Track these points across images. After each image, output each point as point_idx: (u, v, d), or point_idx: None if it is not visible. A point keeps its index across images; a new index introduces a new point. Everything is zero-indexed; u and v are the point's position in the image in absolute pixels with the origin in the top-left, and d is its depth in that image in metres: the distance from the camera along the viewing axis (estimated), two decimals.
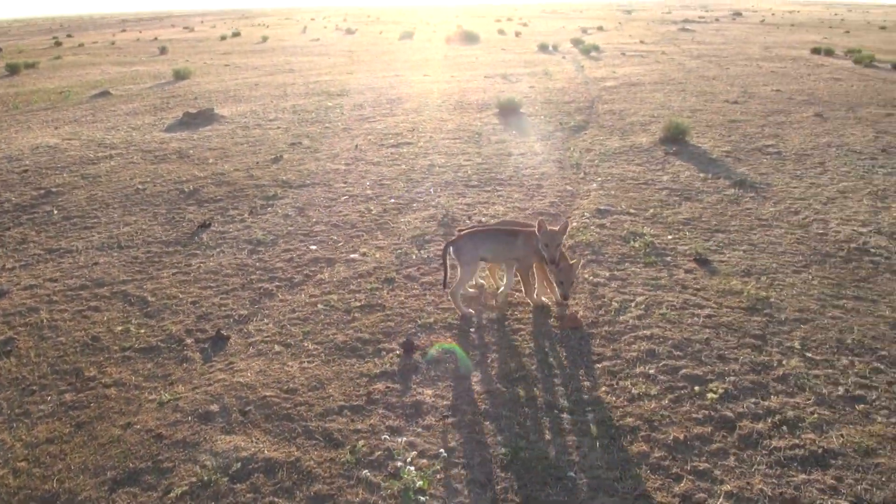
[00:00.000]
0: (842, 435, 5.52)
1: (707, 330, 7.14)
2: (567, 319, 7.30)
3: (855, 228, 9.97)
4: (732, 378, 6.30)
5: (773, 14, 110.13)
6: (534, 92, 22.76)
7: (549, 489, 5.00)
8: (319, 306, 7.78)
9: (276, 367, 6.59)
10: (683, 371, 6.41)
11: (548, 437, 5.55)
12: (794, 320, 7.36)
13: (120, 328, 7.47)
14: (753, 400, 5.99)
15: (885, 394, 6.09)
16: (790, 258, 9.00)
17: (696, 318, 7.38)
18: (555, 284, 7.34)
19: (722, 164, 13.45)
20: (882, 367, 6.51)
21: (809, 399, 6.00)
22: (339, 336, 7.12)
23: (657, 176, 12.66)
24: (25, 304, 8.20)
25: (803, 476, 5.08)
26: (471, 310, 7.70)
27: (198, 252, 9.52)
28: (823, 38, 49.36)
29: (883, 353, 6.73)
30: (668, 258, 8.97)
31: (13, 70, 34.44)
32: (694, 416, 5.79)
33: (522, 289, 7.75)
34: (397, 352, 6.81)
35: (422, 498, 4.94)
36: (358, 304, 7.82)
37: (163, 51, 44.45)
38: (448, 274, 7.72)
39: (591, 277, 8.39)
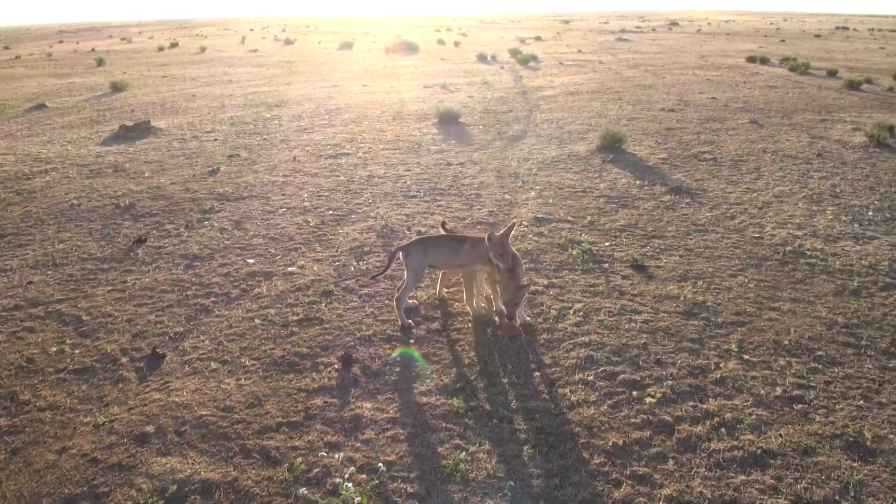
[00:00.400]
0: (780, 435, 5.61)
1: (644, 335, 7.21)
2: (506, 328, 7.31)
3: (790, 232, 10.15)
4: (670, 382, 6.37)
5: (709, 24, 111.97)
6: (473, 102, 22.83)
7: (490, 500, 5.00)
8: (256, 321, 7.70)
9: (212, 385, 6.49)
10: (621, 377, 6.47)
11: (488, 447, 5.55)
12: (730, 323, 7.47)
13: (55, 349, 7.29)
14: (692, 403, 6.06)
15: (823, 393, 6.21)
16: (726, 262, 9.13)
17: (633, 324, 7.45)
18: (502, 304, 7.36)
19: (658, 171, 13.61)
20: (819, 366, 6.63)
21: (747, 401, 6.09)
22: (276, 351, 7.04)
23: (594, 184, 12.76)
24: None
25: (743, 477, 5.15)
26: (410, 321, 7.67)
27: (133, 268, 9.35)
28: (759, 47, 50.29)
29: (820, 353, 6.86)
30: (606, 265, 9.05)
31: None
32: (633, 420, 5.84)
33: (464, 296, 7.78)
34: (336, 365, 6.75)
35: None
36: (296, 317, 7.75)
37: (100, 62, 43.69)
38: (388, 269, 8.01)
39: (530, 285, 8.41)
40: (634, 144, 15.93)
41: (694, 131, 17.44)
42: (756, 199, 11.79)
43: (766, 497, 4.96)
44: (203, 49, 56.16)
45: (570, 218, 10.80)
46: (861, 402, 6.09)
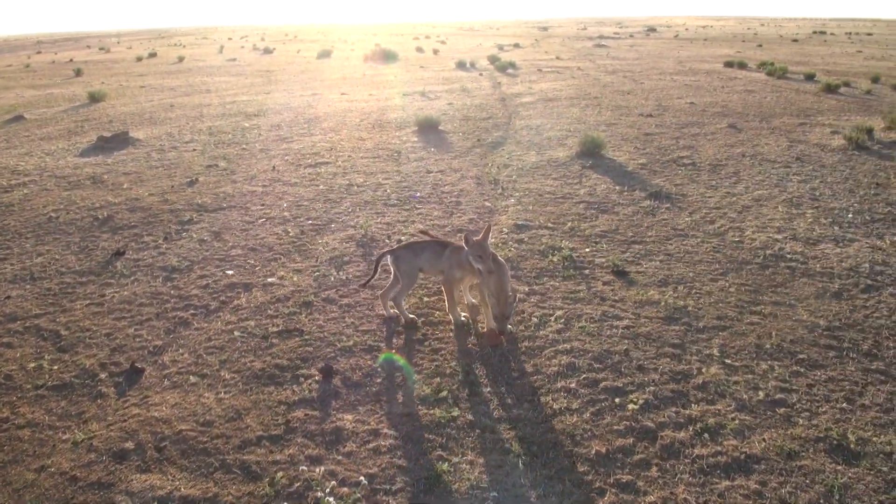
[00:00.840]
0: (764, 440, 5.60)
1: (626, 341, 7.20)
2: (488, 337, 7.28)
3: (770, 235, 10.18)
4: (652, 388, 6.35)
5: (686, 29, 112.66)
6: (452, 109, 22.82)
7: None
8: (236, 333, 7.62)
9: (191, 399, 6.42)
10: (604, 384, 6.44)
11: (470, 457, 5.51)
12: (712, 328, 7.47)
13: (33, 365, 7.18)
14: (674, 409, 6.04)
15: (806, 396, 6.21)
16: (707, 267, 9.14)
17: (615, 330, 7.43)
18: (492, 317, 7.33)
19: (638, 177, 13.63)
20: (801, 370, 6.64)
21: (730, 405, 6.08)
22: (256, 363, 6.97)
23: (574, 190, 12.76)
24: None
25: (727, 483, 5.13)
26: (413, 316, 7.79)
27: (112, 281, 9.26)
28: (737, 52, 50.59)
29: (802, 356, 6.87)
30: (587, 271, 9.03)
31: None
32: (615, 428, 5.81)
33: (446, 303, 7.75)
34: (316, 377, 6.69)
35: None
36: (276, 329, 7.68)
37: (78, 73, 43.43)
38: (375, 276, 8.03)
39: (510, 293, 8.37)
40: (614, 150, 15.95)
41: (673, 136, 17.49)
42: (735, 203, 11.82)
43: (750, 502, 4.95)
44: (181, 59, 55.95)
45: (550, 224, 10.79)
46: (844, 404, 6.09)
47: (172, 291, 8.82)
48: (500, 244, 9.89)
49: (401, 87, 29.94)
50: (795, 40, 73.36)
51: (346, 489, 5.17)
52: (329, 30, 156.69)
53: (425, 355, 7.11)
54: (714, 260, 9.36)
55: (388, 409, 6.19)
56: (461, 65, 40.97)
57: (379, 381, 6.66)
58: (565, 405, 6.14)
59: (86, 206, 12.62)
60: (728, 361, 6.79)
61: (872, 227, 10.52)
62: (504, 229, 10.59)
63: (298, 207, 12.08)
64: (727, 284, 8.58)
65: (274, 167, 15.16)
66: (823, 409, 6.01)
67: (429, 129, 18.99)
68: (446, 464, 5.42)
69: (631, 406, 6.08)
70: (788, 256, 9.41)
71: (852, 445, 5.50)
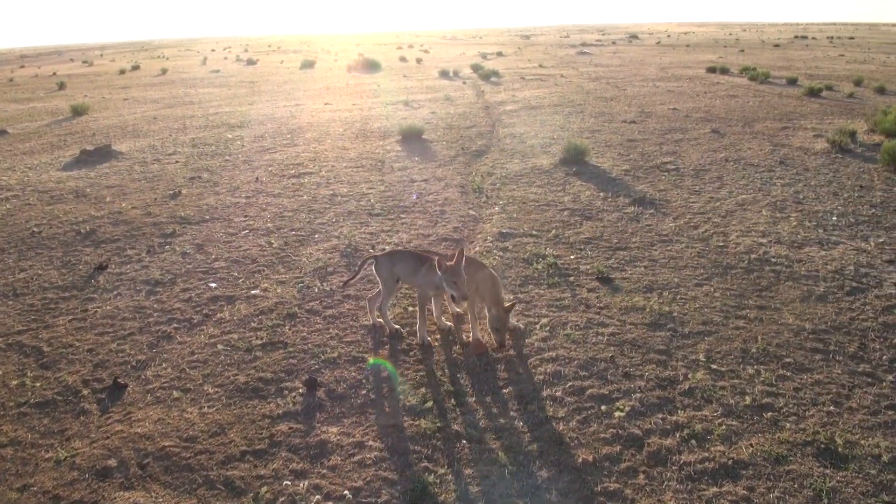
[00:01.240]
0: (751, 445, 5.58)
1: (612, 348, 7.17)
2: (473, 346, 7.24)
3: (755, 239, 10.18)
4: (639, 395, 6.32)
5: (668, 36, 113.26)
6: (435, 118, 22.82)
7: None
8: (219, 347, 7.55)
9: (175, 415, 6.35)
10: (590, 391, 6.41)
11: (457, 468, 5.46)
12: (697, 333, 7.45)
13: (16, 382, 7.09)
14: (661, 415, 6.01)
15: (793, 400, 6.19)
16: (692, 272, 9.13)
17: (600, 337, 7.40)
18: (477, 330, 7.31)
19: (621, 183, 13.64)
20: (788, 373, 6.62)
21: (717, 411, 6.06)
22: (240, 377, 6.90)
23: (558, 197, 12.75)
24: None
25: (715, 489, 5.10)
26: (397, 326, 7.79)
27: (94, 296, 9.17)
28: (719, 58, 50.86)
29: (788, 360, 6.86)
30: (571, 278, 9.01)
31: None
32: (602, 435, 5.78)
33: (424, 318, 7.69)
34: (300, 390, 6.63)
35: None
36: (259, 342, 7.62)
37: (61, 86, 43.27)
38: (357, 278, 8.16)
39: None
40: (597, 157, 15.97)
41: (656, 142, 17.54)
42: (719, 207, 11.83)
43: None
44: (164, 71, 55.87)
45: (534, 232, 10.77)
46: (831, 407, 6.08)
47: (155, 305, 8.75)
48: (484, 252, 9.87)
49: (384, 97, 29.94)
50: (777, 45, 73.80)
51: (331, 503, 5.12)
52: (312, 40, 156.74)
53: (410, 365, 7.07)
54: (699, 265, 9.36)
55: (373, 421, 6.14)
56: (444, 74, 41.04)
57: (364, 392, 6.60)
58: (551, 414, 6.10)
59: (68, 220, 12.53)
60: (714, 367, 6.77)
61: (857, 230, 10.54)
62: (488, 237, 10.56)
63: (282, 218, 12.03)
64: (712, 289, 8.57)
65: (257, 178, 15.10)
66: (810, 413, 6.00)
67: (412, 138, 18.97)
68: (432, 475, 5.37)
69: (617, 413, 6.05)
70: (773, 260, 9.41)
71: (840, 449, 5.48)
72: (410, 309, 8.28)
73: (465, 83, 35.14)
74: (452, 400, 6.42)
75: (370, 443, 5.82)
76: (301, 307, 8.46)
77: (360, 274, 8.07)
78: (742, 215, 11.36)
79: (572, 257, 9.70)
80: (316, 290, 8.96)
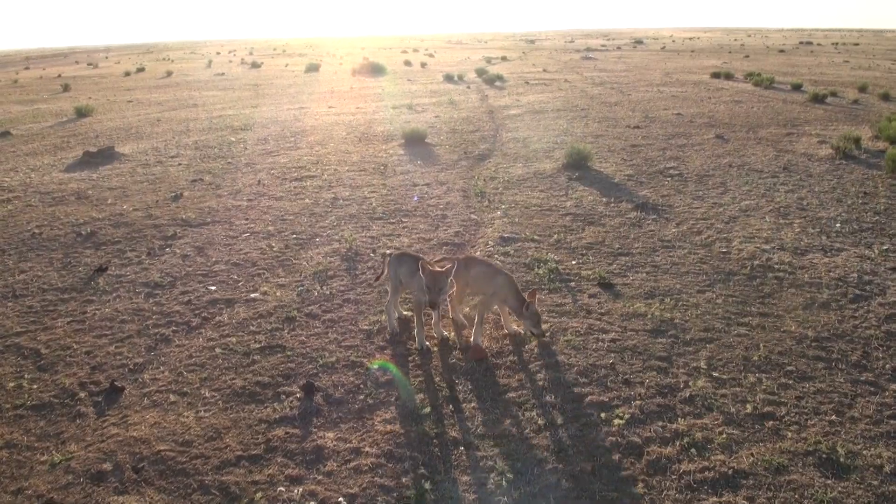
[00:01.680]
0: (752, 454, 5.53)
1: (612, 354, 7.12)
2: (472, 351, 7.20)
3: (758, 246, 10.14)
4: (639, 402, 6.28)
5: (673, 41, 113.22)
6: (439, 122, 22.80)
7: None
8: (217, 350, 7.51)
9: (171, 419, 6.31)
10: (589, 398, 6.37)
11: (454, 475, 5.42)
12: (699, 340, 7.41)
13: (13, 384, 7.06)
14: (661, 423, 5.96)
15: (794, 409, 6.14)
16: (694, 278, 9.08)
17: (600, 343, 7.36)
18: (478, 334, 7.38)
19: (624, 188, 13.60)
20: (790, 382, 6.57)
21: (717, 419, 6.01)
22: (237, 381, 6.86)
23: (561, 202, 12.71)
24: None
25: (714, 499, 5.06)
26: (403, 316, 8.00)
27: (93, 298, 9.14)
28: (723, 63, 50.79)
29: (790, 368, 6.81)
30: (573, 283, 8.96)
31: None
32: (601, 444, 5.73)
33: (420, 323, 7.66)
34: (298, 395, 6.59)
35: None
36: (257, 346, 7.58)
37: (66, 88, 43.31)
38: (384, 276, 7.99)
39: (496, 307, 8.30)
40: (600, 162, 15.93)
41: (660, 147, 17.49)
42: (723, 213, 11.78)
43: None
44: (169, 73, 55.96)
45: (536, 237, 10.73)
46: (833, 416, 6.03)
47: (154, 308, 8.71)
48: (486, 257, 9.82)
49: (388, 101, 29.93)
50: (782, 51, 73.74)
51: None
52: (317, 43, 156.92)
53: (409, 370, 7.02)
54: (701, 271, 9.31)
55: (370, 427, 6.09)
56: (449, 78, 41.04)
57: (361, 397, 6.56)
58: (550, 420, 6.06)
59: (69, 221, 12.50)
60: (715, 374, 6.72)
61: (860, 237, 10.49)
62: (490, 242, 10.52)
63: (283, 222, 12.00)
64: (714, 296, 8.52)
65: (259, 181, 15.08)
66: (812, 422, 5.95)
67: (415, 141, 18.94)
68: (429, 482, 5.33)
69: (617, 421, 6.00)
70: (776, 267, 9.36)
71: (842, 459, 5.43)
72: (406, 314, 8.23)
73: (469, 87, 35.12)
74: (450, 406, 6.38)
75: (367, 449, 5.77)
76: (300, 311, 8.42)
77: (385, 271, 7.98)
78: (745, 221, 11.32)
79: (574, 262, 9.65)
80: (315, 293, 8.92)
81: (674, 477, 5.30)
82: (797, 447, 5.60)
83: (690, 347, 7.26)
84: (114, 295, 9.20)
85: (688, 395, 6.38)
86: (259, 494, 5.23)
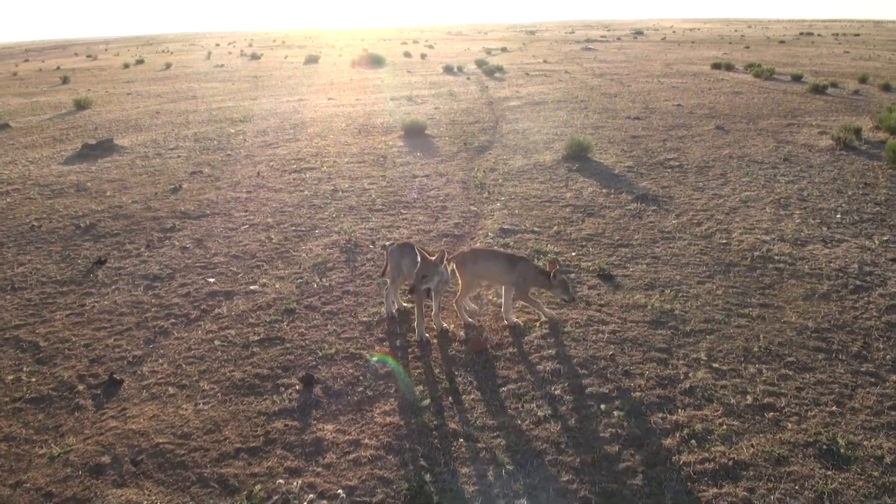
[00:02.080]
0: (752, 445, 5.52)
1: (612, 346, 7.11)
2: (472, 343, 7.19)
3: (758, 237, 10.11)
4: (638, 394, 6.27)
5: (673, 32, 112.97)
6: (439, 113, 22.75)
7: None
8: (216, 343, 7.50)
9: (170, 411, 6.29)
10: (589, 389, 6.35)
11: (453, 467, 5.40)
12: (699, 331, 7.39)
13: (11, 377, 7.05)
14: (661, 415, 5.95)
15: (795, 400, 6.13)
16: (694, 269, 9.06)
17: (600, 335, 7.34)
18: (563, 301, 7.63)
19: (624, 179, 13.57)
20: (790, 373, 6.56)
21: (718, 410, 5.99)
22: (236, 373, 6.85)
23: (560, 193, 12.68)
24: None
25: (715, 490, 5.05)
26: (403, 307, 8.02)
27: (92, 290, 9.13)
28: (724, 54, 50.66)
29: (790, 359, 6.79)
30: (573, 275, 8.94)
31: None
32: (601, 435, 5.72)
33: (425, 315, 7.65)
34: (297, 387, 6.58)
35: None
36: (256, 338, 7.57)
37: (65, 80, 43.25)
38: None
39: (496, 299, 8.29)
40: (600, 153, 15.90)
41: (660, 139, 17.45)
42: (723, 204, 11.76)
43: None
44: (168, 65, 55.84)
45: (536, 228, 10.70)
46: (834, 408, 6.02)
47: (153, 300, 8.70)
48: (492, 247, 9.80)
49: (388, 92, 29.86)
50: (783, 42, 73.60)
51: (324, 502, 5.06)
52: (317, 35, 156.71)
53: (409, 362, 7.01)
54: (701, 262, 9.29)
55: (370, 419, 6.08)
56: (448, 69, 40.94)
57: (360, 389, 6.54)
58: (550, 412, 6.04)
59: (68, 214, 12.49)
60: (715, 365, 6.71)
61: (861, 228, 10.47)
62: (490, 234, 10.50)
63: (282, 213, 11.97)
64: (714, 287, 8.50)
65: (258, 173, 15.05)
66: (812, 413, 5.93)
67: (415, 133, 18.91)
68: (429, 474, 5.32)
69: (617, 412, 5.99)
70: (776, 258, 9.34)
71: (842, 450, 5.42)
72: (406, 306, 8.22)
73: (469, 79, 35.05)
74: (450, 397, 6.37)
75: (366, 441, 5.76)
76: (299, 303, 8.40)
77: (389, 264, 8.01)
78: (745, 212, 11.29)
79: (573, 254, 9.63)
80: (315, 285, 8.91)
81: (674, 468, 5.29)
82: (797, 438, 5.59)
83: (690, 339, 7.24)
84: (113, 287, 9.18)
85: (688, 386, 6.37)
86: (258, 487, 5.21)
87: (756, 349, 6.99)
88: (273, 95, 30.55)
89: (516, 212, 11.61)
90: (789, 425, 5.77)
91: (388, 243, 8.78)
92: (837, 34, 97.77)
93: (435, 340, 7.43)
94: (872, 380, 6.45)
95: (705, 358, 6.84)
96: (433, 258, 6.92)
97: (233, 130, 20.94)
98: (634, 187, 12.96)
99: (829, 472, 5.18)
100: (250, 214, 12.01)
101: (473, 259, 7.54)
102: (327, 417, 6.13)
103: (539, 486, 5.15)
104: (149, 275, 9.51)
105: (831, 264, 9.09)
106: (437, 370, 6.85)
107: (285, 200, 12.81)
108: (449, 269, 7.49)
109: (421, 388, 6.54)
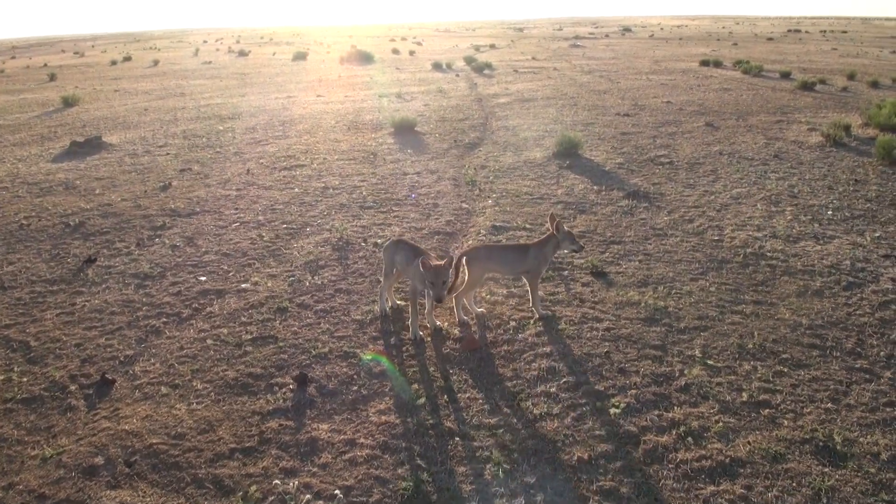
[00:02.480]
0: (748, 442, 5.52)
1: (606, 343, 7.10)
2: (466, 341, 7.16)
3: (750, 233, 10.12)
4: (634, 391, 6.25)
5: (661, 29, 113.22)
6: (428, 110, 22.72)
7: None
8: (209, 342, 7.45)
9: (163, 411, 6.25)
10: (584, 387, 6.34)
11: (450, 466, 5.38)
12: (693, 328, 7.39)
13: (2, 377, 6.97)
14: (657, 412, 5.95)
15: (790, 397, 6.13)
16: (686, 266, 9.06)
17: (595, 332, 7.33)
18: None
19: (615, 176, 13.57)
20: (785, 369, 6.56)
21: (713, 408, 5.99)
22: (229, 372, 6.81)
23: (552, 190, 12.67)
24: None
25: (712, 488, 5.04)
26: (397, 305, 8.01)
27: (83, 289, 9.06)
28: (712, 51, 50.82)
29: (785, 355, 6.80)
30: (566, 272, 8.93)
31: None
32: (597, 433, 5.70)
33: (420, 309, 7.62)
34: (291, 386, 6.54)
35: None
36: (249, 336, 7.52)
37: (52, 77, 43.01)
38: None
39: (489, 296, 8.27)
40: (591, 150, 15.90)
41: (650, 135, 17.48)
42: (714, 201, 11.76)
43: None
44: (156, 62, 55.62)
45: (527, 225, 10.69)
46: (829, 404, 6.02)
47: (144, 299, 8.64)
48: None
49: (377, 89, 29.82)
50: (771, 38, 73.85)
51: (321, 503, 5.03)
52: (305, 32, 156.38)
53: (403, 360, 6.98)
54: (694, 259, 9.29)
55: (365, 418, 6.05)
56: (437, 66, 40.93)
57: (355, 388, 6.51)
58: (546, 410, 6.02)
59: (58, 212, 12.40)
60: (710, 362, 6.70)
61: (852, 224, 10.49)
62: (482, 231, 10.48)
63: (273, 211, 11.92)
64: (707, 284, 8.50)
65: (248, 170, 14.99)
66: (808, 410, 5.93)
67: (405, 130, 18.87)
68: (425, 473, 5.29)
69: (612, 410, 5.98)
70: (769, 255, 9.35)
71: (839, 446, 5.42)
72: (401, 304, 8.19)
73: (458, 75, 35.04)
74: (445, 396, 6.34)
75: (361, 440, 5.73)
76: (292, 301, 8.36)
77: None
78: (737, 209, 11.30)
79: (566, 251, 9.61)
80: (307, 283, 8.86)
81: (671, 466, 5.28)
82: (794, 435, 5.59)
83: (685, 336, 7.24)
84: (103, 286, 9.12)
85: (683, 383, 6.36)
86: (254, 487, 5.18)
87: (750, 346, 6.99)
88: (262, 92, 30.46)
89: (508, 209, 11.59)
90: (785, 422, 5.77)
91: (379, 241, 8.72)
92: (825, 31, 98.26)
93: (429, 339, 7.40)
94: (867, 376, 6.46)
95: (700, 355, 6.84)
96: (443, 262, 6.87)
97: (221, 127, 20.86)
98: (625, 184, 12.96)
99: (827, 469, 5.18)
100: (241, 212, 11.95)
101: (487, 255, 7.55)
102: (322, 417, 6.09)
103: (536, 484, 5.13)
104: (139, 273, 9.45)
105: (824, 261, 9.10)
106: (431, 368, 6.82)
107: (276, 198, 12.76)
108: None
109: (416, 386, 6.51)
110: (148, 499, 5.15)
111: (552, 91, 26.93)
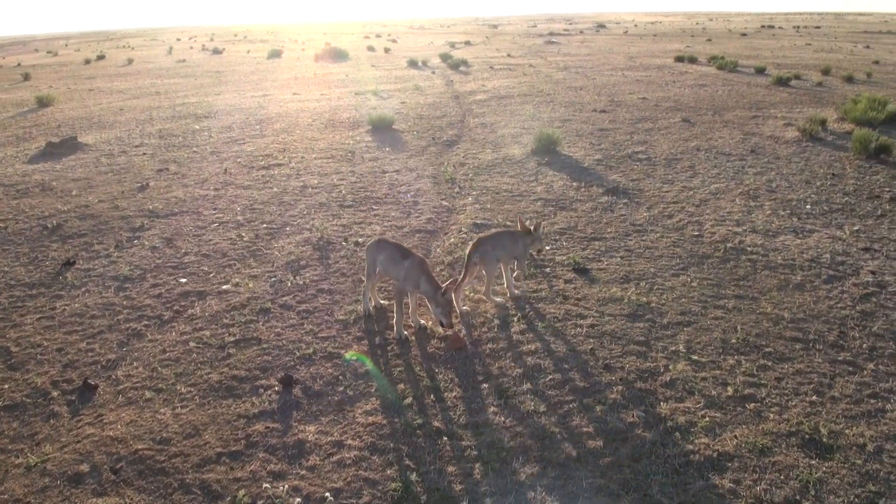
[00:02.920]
0: (735, 436, 5.55)
1: (591, 340, 7.11)
2: (451, 340, 7.14)
3: (730, 228, 10.17)
4: (620, 387, 6.27)
5: (635, 25, 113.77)
6: (405, 108, 22.66)
7: None
8: (191, 344, 7.39)
9: (147, 416, 6.19)
10: (570, 384, 6.35)
11: (439, 466, 5.36)
12: (677, 324, 7.42)
13: None
14: (643, 408, 5.96)
15: (775, 390, 6.17)
16: (668, 262, 9.09)
17: (579, 329, 7.34)
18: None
19: (594, 173, 13.59)
20: (769, 363, 6.61)
21: (699, 402, 6.02)
22: (213, 375, 6.75)
23: (531, 187, 12.68)
24: None
25: (701, 482, 5.06)
26: (381, 304, 8.03)
27: (62, 293, 8.96)
28: (686, 47, 51.08)
29: (768, 349, 6.84)
30: (548, 269, 8.94)
31: None
32: (585, 430, 5.71)
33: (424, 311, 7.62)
34: (276, 388, 6.50)
35: None
36: (232, 338, 7.47)
37: (26, 77, 42.55)
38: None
39: (472, 294, 8.26)
40: (569, 146, 15.92)
41: (627, 132, 17.53)
42: (693, 197, 11.81)
43: (725, 501, 4.87)
44: (130, 61, 55.19)
45: (508, 223, 10.68)
46: (814, 397, 6.06)
47: (125, 302, 8.55)
48: (459, 244, 9.77)
49: (353, 87, 29.72)
50: (744, 34, 74.33)
51: None
52: (279, 29, 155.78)
53: (389, 360, 6.95)
54: (674, 255, 9.32)
55: (352, 419, 6.02)
56: (413, 63, 40.86)
57: (341, 389, 6.48)
58: (532, 408, 6.03)
59: (35, 214, 12.26)
60: (695, 357, 6.73)
61: (831, 218, 10.56)
62: (463, 228, 10.46)
63: (252, 211, 11.84)
64: (689, 279, 8.53)
65: (226, 170, 14.89)
66: (793, 403, 5.97)
67: (383, 128, 18.82)
68: (415, 474, 5.27)
69: (599, 407, 5.99)
70: (749, 249, 9.39)
71: (825, 439, 5.47)
72: (384, 303, 8.16)
73: (434, 73, 35.00)
74: (432, 395, 6.32)
75: (349, 441, 5.71)
76: (274, 302, 8.31)
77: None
78: (716, 204, 11.35)
79: (547, 248, 9.62)
80: (289, 284, 8.81)
81: (659, 461, 5.29)
82: (780, 428, 5.62)
83: (668, 331, 7.26)
84: (83, 289, 9.02)
85: (668, 379, 6.38)
86: (242, 492, 5.14)
87: (734, 340, 7.02)
88: (237, 91, 30.29)
89: (488, 206, 11.59)
90: (771, 416, 5.80)
91: (361, 240, 8.69)
92: (798, 27, 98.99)
93: (413, 338, 7.38)
94: (850, 368, 6.50)
95: (684, 350, 6.87)
96: (449, 287, 6.99)
97: (198, 127, 20.71)
98: (604, 180, 12.98)
99: (813, 462, 5.22)
100: (220, 212, 11.87)
101: (493, 245, 7.68)
102: (308, 418, 6.06)
103: (526, 483, 5.13)
104: (119, 276, 9.36)
105: (804, 255, 9.16)
106: (417, 368, 6.80)
107: (255, 197, 12.68)
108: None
109: (402, 386, 6.49)
110: None
111: (528, 88, 26.96)
